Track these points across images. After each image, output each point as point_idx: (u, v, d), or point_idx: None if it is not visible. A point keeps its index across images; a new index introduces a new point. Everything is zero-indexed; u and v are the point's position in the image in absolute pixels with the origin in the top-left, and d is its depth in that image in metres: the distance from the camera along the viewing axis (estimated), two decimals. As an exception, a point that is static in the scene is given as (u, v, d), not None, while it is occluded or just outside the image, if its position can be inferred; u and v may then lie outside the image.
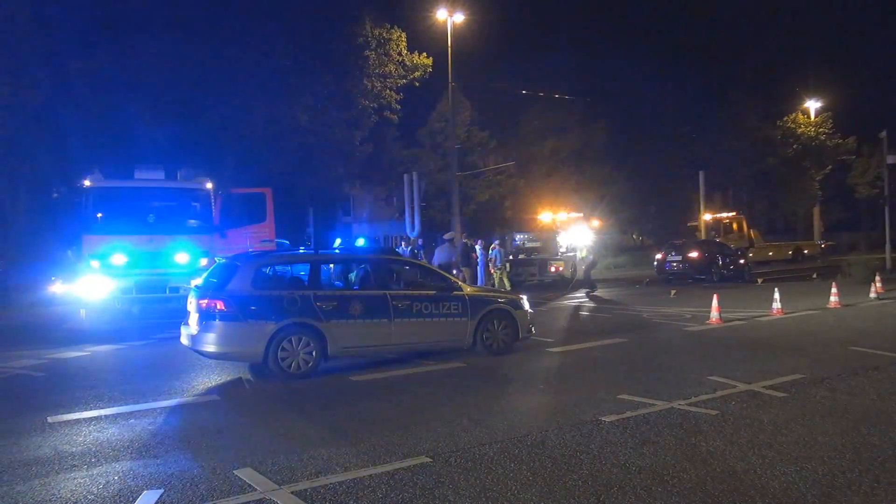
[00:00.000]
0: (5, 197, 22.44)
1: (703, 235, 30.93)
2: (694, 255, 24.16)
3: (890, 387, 7.29)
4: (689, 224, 36.30)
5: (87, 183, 13.76)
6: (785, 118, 44.33)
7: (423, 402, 7.28)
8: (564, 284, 23.10)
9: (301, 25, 23.84)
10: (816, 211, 44.67)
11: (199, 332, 8.41)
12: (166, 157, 18.32)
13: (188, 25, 21.69)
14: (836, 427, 5.84)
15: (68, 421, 6.68)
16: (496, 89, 36.30)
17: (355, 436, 5.97)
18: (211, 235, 14.29)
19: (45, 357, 10.34)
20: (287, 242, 20.36)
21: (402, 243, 24.09)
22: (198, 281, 10.34)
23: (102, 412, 6.97)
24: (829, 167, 45.12)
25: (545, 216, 28.82)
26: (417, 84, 27.88)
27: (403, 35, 26.96)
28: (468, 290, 10.11)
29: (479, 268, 21.44)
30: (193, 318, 8.62)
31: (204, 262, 13.69)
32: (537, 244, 26.77)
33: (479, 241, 22.87)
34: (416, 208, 23.10)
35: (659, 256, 25.73)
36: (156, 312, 13.81)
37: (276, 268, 9.64)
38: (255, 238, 15.41)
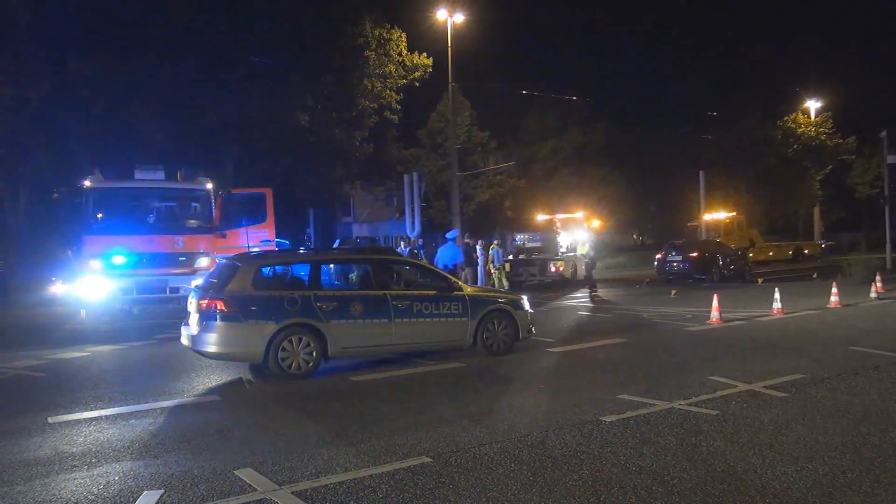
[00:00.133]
0: (6, 197, 22.47)
1: (703, 235, 30.92)
2: (694, 255, 24.16)
3: (890, 386, 7.28)
4: (689, 224, 36.28)
5: (87, 183, 13.75)
6: (785, 118, 44.35)
7: (423, 402, 7.28)
8: (565, 284, 23.11)
9: (301, 25, 23.84)
10: (817, 211, 44.68)
11: (199, 332, 8.41)
12: (166, 157, 18.33)
13: (188, 26, 21.69)
14: (837, 427, 5.84)
15: (69, 421, 6.68)
16: (496, 89, 36.34)
17: (356, 436, 5.97)
18: (211, 236, 14.28)
19: (45, 357, 10.35)
20: (287, 242, 20.36)
21: (402, 243, 24.08)
22: (198, 281, 10.35)
23: (103, 412, 6.97)
24: (830, 167, 45.15)
25: (545, 216, 28.82)
26: (417, 84, 27.90)
27: (403, 35, 26.98)
28: (468, 290, 10.11)
29: (478, 268, 21.46)
30: (194, 318, 8.62)
31: (204, 262, 13.70)
32: (537, 244, 26.77)
33: (479, 242, 22.88)
34: (417, 208, 23.10)
35: (659, 256, 25.73)
36: (156, 313, 13.82)
37: (277, 268, 9.65)
38: (255, 238, 15.41)
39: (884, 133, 28.43)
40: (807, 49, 47.10)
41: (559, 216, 27.90)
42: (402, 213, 25.45)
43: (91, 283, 13.25)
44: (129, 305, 13.68)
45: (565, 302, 18.55)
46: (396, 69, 26.91)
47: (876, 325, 12.12)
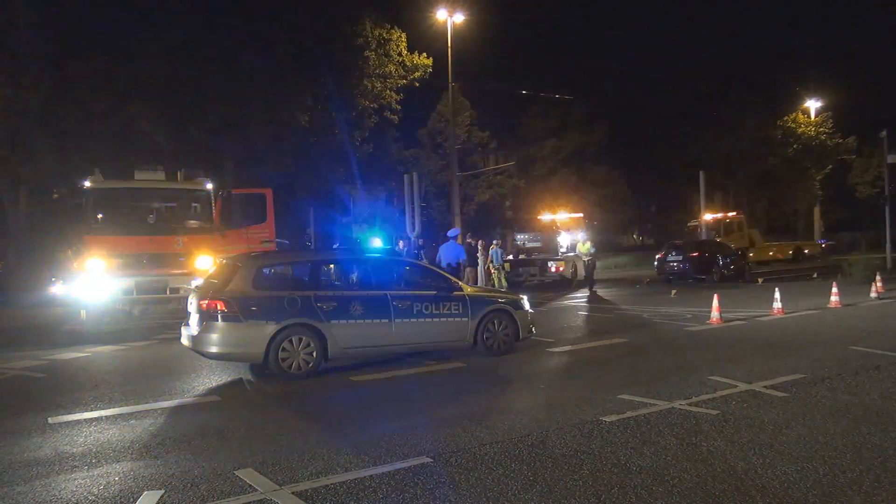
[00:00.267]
0: (6, 198, 22.47)
1: (703, 235, 30.92)
2: (694, 255, 24.16)
3: (891, 386, 7.28)
4: (689, 224, 36.30)
5: (87, 184, 13.75)
6: (785, 118, 44.36)
7: (423, 402, 7.28)
8: (566, 284, 23.10)
9: (301, 26, 23.85)
10: (817, 211, 44.70)
11: (199, 332, 8.41)
12: (166, 157, 18.34)
13: (188, 26, 21.69)
14: (837, 427, 5.84)
15: (69, 422, 6.68)
16: (496, 89, 36.37)
17: (356, 436, 5.97)
18: (211, 236, 14.28)
19: (45, 358, 10.34)
20: (287, 243, 20.36)
21: (400, 243, 24.08)
22: (198, 282, 10.34)
23: (103, 413, 6.97)
24: (830, 167, 45.16)
25: (545, 216, 28.83)
26: (417, 84, 27.90)
27: (403, 35, 26.98)
28: (468, 290, 10.11)
29: (478, 268, 21.46)
30: (194, 318, 8.62)
31: (204, 262, 13.69)
32: (538, 244, 26.76)
33: (480, 242, 22.88)
34: (417, 208, 23.09)
35: (659, 256, 25.73)
36: (156, 313, 13.82)
37: (277, 268, 9.65)
38: (256, 238, 15.41)
39: (884, 133, 28.43)
40: (807, 49, 47.16)
41: (559, 216, 27.91)
42: (402, 213, 25.44)
43: (91, 284, 13.24)
44: (130, 306, 13.68)
45: (565, 302, 18.55)
46: (396, 69, 26.91)
47: (876, 325, 12.11)
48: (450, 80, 28.48)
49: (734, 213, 34.49)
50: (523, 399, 7.30)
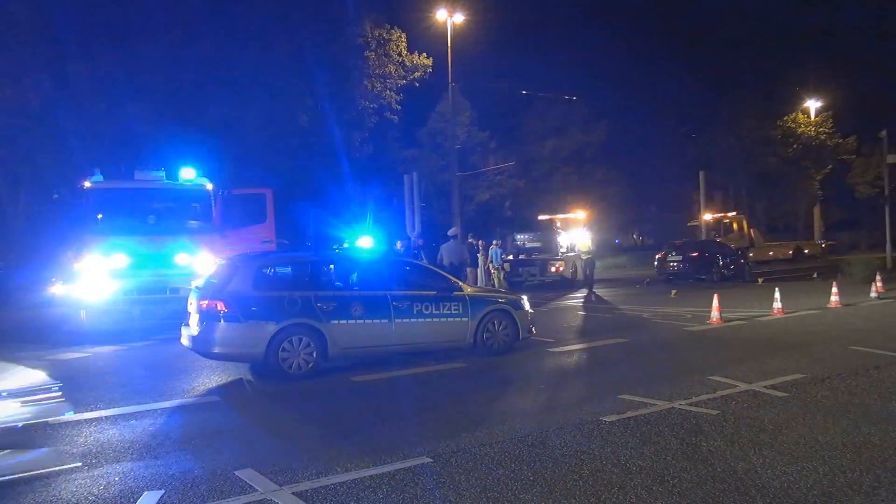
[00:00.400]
0: (6, 198, 22.47)
1: (703, 235, 30.91)
2: (694, 254, 24.16)
3: (891, 386, 7.28)
4: (689, 224, 36.28)
5: (87, 184, 13.74)
6: (785, 118, 44.35)
7: (423, 402, 7.28)
8: (567, 285, 23.08)
9: (301, 26, 23.86)
10: (817, 210, 44.63)
11: (199, 332, 8.41)
12: (166, 157, 18.31)
13: (188, 26, 21.71)
14: (837, 426, 5.84)
15: (69, 422, 6.66)
16: (496, 89, 36.39)
17: (356, 436, 5.97)
18: (211, 236, 14.27)
19: (45, 358, 10.33)
20: (287, 243, 20.33)
21: (398, 243, 24.04)
22: (198, 282, 10.34)
23: (103, 413, 6.97)
24: (830, 167, 45.14)
25: (545, 216, 28.82)
26: (417, 84, 27.91)
27: (403, 35, 26.98)
28: (469, 290, 10.11)
29: (479, 268, 21.46)
30: (194, 318, 8.62)
31: (204, 262, 13.68)
32: (538, 244, 26.75)
33: (480, 242, 22.87)
34: (417, 209, 23.09)
35: (659, 256, 25.72)
36: (156, 313, 13.80)
37: (277, 268, 9.65)
38: (256, 238, 15.39)
39: (884, 133, 28.44)
40: (807, 49, 47.15)
41: (559, 216, 27.90)
42: (402, 213, 25.42)
43: (91, 284, 13.24)
44: (130, 306, 13.67)
45: (565, 302, 18.54)
46: (396, 69, 26.91)
47: (876, 325, 12.12)
48: (450, 80, 28.48)
49: (734, 213, 34.44)
50: (523, 399, 7.31)
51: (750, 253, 28.63)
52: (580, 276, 23.09)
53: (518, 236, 29.71)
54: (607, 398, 7.00)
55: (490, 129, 37.87)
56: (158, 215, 14.51)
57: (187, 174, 14.73)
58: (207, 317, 8.34)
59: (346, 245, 25.18)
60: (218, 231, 14.42)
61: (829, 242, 40.31)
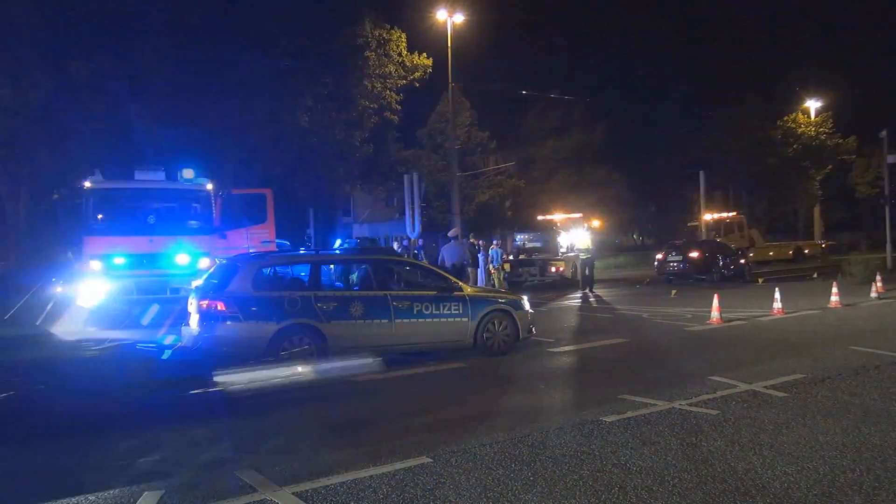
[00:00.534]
0: (6, 198, 22.45)
1: (703, 235, 30.92)
2: (694, 255, 24.15)
3: (891, 386, 7.28)
4: (689, 224, 36.31)
5: (87, 184, 13.74)
6: (785, 118, 44.36)
7: (423, 402, 7.28)
8: (567, 284, 23.07)
9: (301, 26, 23.83)
10: (817, 211, 44.66)
11: (199, 332, 8.41)
12: (166, 157, 18.29)
13: (188, 26, 21.68)
14: (838, 427, 5.84)
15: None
16: (496, 89, 36.38)
17: (356, 436, 5.97)
18: (211, 236, 14.27)
19: (45, 358, 10.33)
20: (287, 243, 20.34)
21: (394, 243, 24.10)
22: (198, 282, 10.34)
23: (103, 413, 6.95)
24: (830, 167, 45.13)
25: (545, 216, 28.82)
26: (417, 84, 27.87)
27: (403, 35, 26.95)
28: (468, 290, 10.11)
29: (480, 268, 21.45)
30: (194, 318, 8.62)
31: (204, 263, 13.69)
32: (538, 244, 26.74)
33: (480, 242, 22.87)
34: (417, 209, 23.09)
35: (659, 256, 25.71)
36: (156, 314, 13.78)
37: (277, 269, 9.65)
38: (256, 239, 15.40)
39: (884, 133, 28.41)
40: (807, 49, 47.10)
41: (559, 216, 27.90)
42: (402, 213, 25.43)
43: (91, 284, 13.24)
44: (130, 306, 13.66)
45: (565, 302, 18.54)
46: (396, 69, 26.88)
47: (876, 325, 12.11)
48: (450, 81, 28.48)
49: (734, 214, 34.49)
50: (523, 399, 7.31)
51: (750, 253, 28.67)
52: (579, 275, 23.09)
53: (518, 236, 29.74)
54: (607, 398, 7.00)
55: (490, 129, 37.88)
56: (158, 215, 14.51)
57: (187, 174, 14.73)
58: (207, 317, 8.35)
59: (346, 245, 25.21)
60: (218, 231, 14.43)
61: (829, 243, 40.38)
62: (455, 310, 9.51)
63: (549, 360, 9.70)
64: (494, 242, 23.03)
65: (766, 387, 7.32)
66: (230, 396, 6.94)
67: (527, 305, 10.32)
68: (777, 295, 13.78)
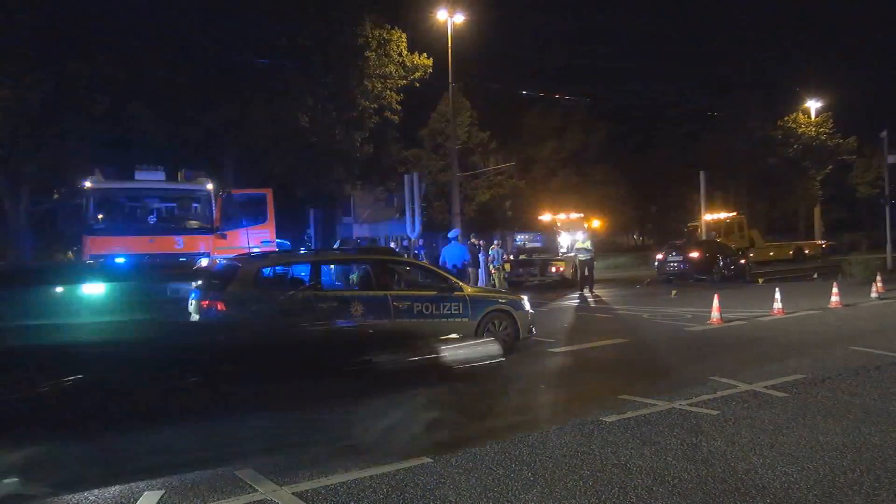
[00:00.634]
0: (6, 198, 22.45)
1: (703, 236, 30.92)
2: (694, 255, 24.15)
3: (891, 386, 7.28)
4: (689, 224, 36.30)
5: (87, 184, 13.78)
6: (785, 118, 44.38)
7: (423, 402, 7.26)
8: (568, 285, 23.07)
9: (301, 26, 23.84)
10: (817, 211, 44.68)
11: (199, 332, 8.41)
12: (166, 157, 18.32)
13: (189, 27, 21.70)
14: (838, 427, 5.83)
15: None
16: (496, 89, 36.35)
17: (356, 436, 5.95)
18: (211, 236, 14.29)
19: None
20: (287, 243, 20.33)
21: (392, 243, 24.10)
22: (199, 282, 10.35)
23: (103, 413, 6.95)
24: (830, 167, 45.16)
25: (545, 216, 28.82)
26: (418, 85, 27.88)
27: (404, 36, 26.96)
28: (469, 290, 10.11)
29: (480, 268, 21.46)
30: (194, 319, 8.61)
31: (205, 263, 13.70)
32: (538, 244, 26.74)
33: (481, 242, 22.88)
34: (417, 209, 23.10)
35: (659, 257, 25.71)
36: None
37: (277, 269, 9.65)
38: (256, 239, 15.42)
39: (884, 133, 28.40)
40: (807, 49, 47.16)
41: (559, 216, 27.90)
42: (403, 213, 25.44)
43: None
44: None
45: (565, 302, 18.54)
46: (397, 70, 26.88)
47: (876, 325, 12.11)
48: (450, 81, 28.47)
49: (734, 214, 34.49)
50: (523, 399, 7.30)
51: (750, 253, 28.67)
52: (578, 276, 23.09)
53: (518, 237, 29.74)
54: (607, 398, 6.99)
55: (490, 129, 37.89)
56: (158, 215, 14.55)
57: (187, 174, 14.76)
58: (208, 317, 8.34)
59: (345, 245, 25.21)
60: (218, 231, 14.45)
61: (830, 243, 40.39)
62: (455, 310, 9.51)
63: (550, 360, 9.69)
64: (495, 242, 23.04)
65: (766, 387, 7.32)
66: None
67: (527, 306, 10.32)
68: (777, 295, 13.78)
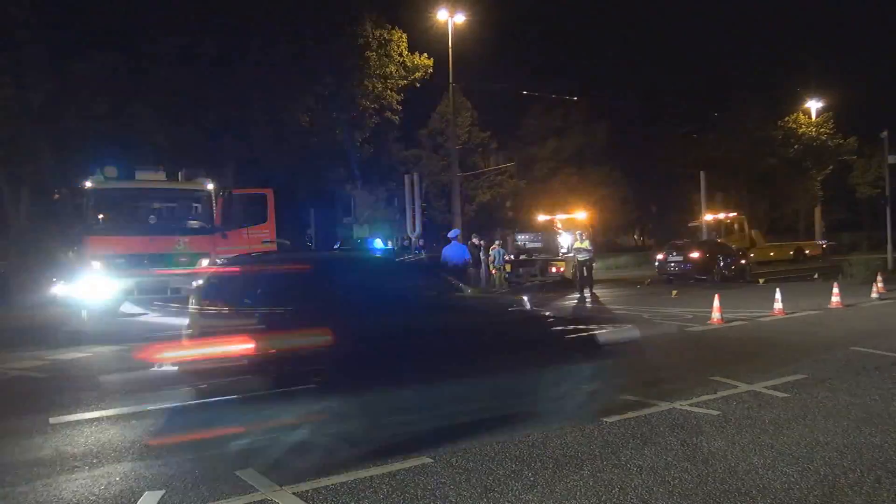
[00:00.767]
0: (7, 198, 22.47)
1: (704, 236, 30.91)
2: (695, 255, 24.14)
3: (892, 387, 7.28)
4: (690, 224, 36.30)
5: (88, 184, 13.76)
6: (786, 118, 44.36)
7: (423, 403, 7.26)
8: (568, 285, 23.05)
9: (302, 26, 23.86)
10: (818, 211, 44.67)
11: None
12: (167, 157, 18.31)
13: (190, 27, 21.71)
14: (838, 427, 5.83)
15: (70, 422, 6.68)
16: (497, 90, 36.36)
17: (356, 436, 5.96)
18: (212, 236, 14.28)
19: (46, 358, 10.34)
20: (288, 243, 20.33)
21: (388, 243, 24.07)
22: (199, 282, 10.33)
23: (104, 413, 6.96)
24: (831, 167, 45.15)
25: (546, 217, 28.80)
26: (418, 85, 27.90)
27: (404, 36, 26.98)
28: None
29: (481, 269, 21.46)
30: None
31: (205, 263, 13.69)
32: (538, 245, 26.73)
33: (482, 242, 22.87)
34: (417, 209, 23.11)
35: (660, 257, 25.70)
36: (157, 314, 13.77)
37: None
38: (257, 239, 15.40)
39: (885, 133, 28.41)
40: (807, 49, 47.15)
41: (560, 216, 27.89)
42: (403, 213, 25.44)
43: (92, 284, 13.24)
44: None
45: (565, 303, 18.52)
46: (397, 70, 26.89)
47: (877, 326, 12.10)
48: (450, 81, 28.48)
49: (735, 214, 34.48)
50: (523, 399, 7.29)
51: (751, 253, 28.67)
52: (577, 277, 23.06)
53: (518, 237, 29.71)
54: (607, 398, 6.98)
55: (490, 129, 37.91)
56: (159, 215, 14.54)
57: (188, 174, 14.75)
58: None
59: (345, 245, 25.21)
60: (218, 231, 14.43)
61: (830, 243, 40.39)
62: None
63: (550, 360, 9.67)
64: (497, 242, 23.03)
65: (766, 387, 7.32)
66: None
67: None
68: (778, 295, 13.77)
